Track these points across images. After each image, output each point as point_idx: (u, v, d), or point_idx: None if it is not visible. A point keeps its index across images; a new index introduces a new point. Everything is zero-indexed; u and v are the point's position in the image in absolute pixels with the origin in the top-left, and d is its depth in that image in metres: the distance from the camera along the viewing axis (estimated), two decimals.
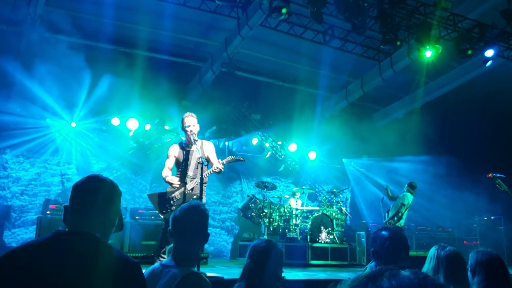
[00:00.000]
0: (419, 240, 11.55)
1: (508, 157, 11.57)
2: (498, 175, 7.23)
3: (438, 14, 9.31)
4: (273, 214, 10.77)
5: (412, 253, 8.97)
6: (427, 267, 3.09)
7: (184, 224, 2.60)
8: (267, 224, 10.65)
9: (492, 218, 12.94)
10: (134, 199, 11.63)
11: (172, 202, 5.70)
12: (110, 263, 1.91)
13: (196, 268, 4.63)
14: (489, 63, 10.40)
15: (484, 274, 2.96)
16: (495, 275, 2.96)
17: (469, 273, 3.07)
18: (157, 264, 2.63)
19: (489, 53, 10.09)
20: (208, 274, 5.34)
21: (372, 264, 2.97)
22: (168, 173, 5.87)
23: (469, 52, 9.94)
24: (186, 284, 2.37)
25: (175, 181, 5.74)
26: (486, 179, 7.48)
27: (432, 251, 3.13)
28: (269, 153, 13.91)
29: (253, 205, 11.59)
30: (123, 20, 10.54)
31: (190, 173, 5.78)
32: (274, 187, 11.85)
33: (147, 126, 11.63)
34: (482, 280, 2.94)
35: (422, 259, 3.23)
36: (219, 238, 12.81)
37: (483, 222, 13.08)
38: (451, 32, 9.94)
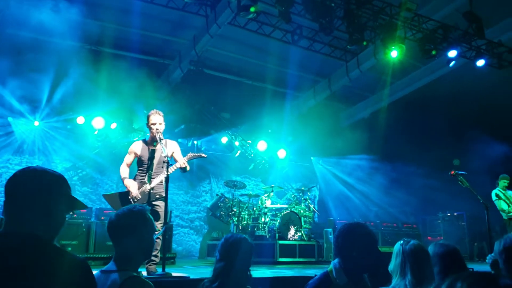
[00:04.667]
0: (385, 237, 11.76)
1: (472, 155, 11.91)
2: (460, 172, 7.41)
3: (403, 15, 9.49)
4: (242, 213, 10.79)
5: None
6: (394, 263, 3.15)
7: (120, 228, 2.56)
8: (236, 223, 10.66)
9: (455, 214, 13.31)
10: (100, 199, 11.41)
11: (132, 202, 5.55)
12: (55, 264, 1.73)
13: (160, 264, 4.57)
14: (452, 63, 10.66)
15: (441, 265, 3.07)
16: (451, 266, 3.06)
17: None
18: (97, 272, 2.50)
19: (452, 53, 10.33)
20: (174, 274, 5.31)
21: (336, 260, 2.99)
22: (126, 173, 5.77)
23: (433, 52, 10.16)
24: None
25: (133, 188, 5.61)
26: (449, 176, 7.66)
27: (397, 246, 3.19)
28: (239, 152, 13.90)
29: (222, 204, 11.59)
30: (88, 16, 10.32)
31: (152, 172, 5.70)
32: (243, 186, 11.87)
33: (113, 125, 11.44)
34: (439, 271, 3.05)
35: (388, 255, 3.29)
36: (187, 238, 12.73)
37: (446, 218, 13.44)
38: (416, 33, 10.14)
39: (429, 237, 13.24)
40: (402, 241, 3.21)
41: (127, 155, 5.91)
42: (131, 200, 5.57)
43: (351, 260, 2.89)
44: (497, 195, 9.19)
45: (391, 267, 3.18)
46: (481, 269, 6.00)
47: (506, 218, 9.22)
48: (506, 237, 3.10)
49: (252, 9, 8.61)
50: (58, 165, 11.32)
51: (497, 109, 12.27)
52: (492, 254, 3.24)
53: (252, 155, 14.15)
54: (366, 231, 2.97)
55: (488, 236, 7.92)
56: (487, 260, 3.31)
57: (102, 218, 9.11)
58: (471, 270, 3.33)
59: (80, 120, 11.03)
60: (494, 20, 10.86)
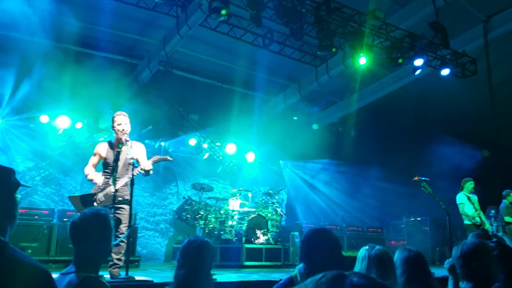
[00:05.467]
0: (350, 241, 11.86)
1: (436, 160, 12.19)
2: (423, 178, 7.55)
3: (371, 23, 9.66)
4: (209, 216, 10.72)
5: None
6: (359, 267, 3.19)
7: (83, 231, 2.54)
8: (202, 226, 10.58)
9: (418, 219, 13.60)
10: (63, 201, 11.12)
11: (96, 204, 5.46)
12: (12, 274, 1.62)
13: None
14: (418, 71, 10.91)
15: (404, 268, 3.14)
16: (415, 269, 3.14)
17: None
18: (58, 276, 2.49)
19: (418, 62, 10.57)
20: (138, 277, 5.23)
21: (300, 265, 3.01)
22: (91, 171, 5.66)
23: (400, 60, 10.38)
24: None
25: (98, 179, 5.51)
26: (413, 182, 7.79)
27: (363, 251, 3.24)
28: (207, 154, 13.80)
29: (188, 207, 11.48)
30: (55, 13, 10.06)
31: (117, 174, 5.59)
32: (210, 189, 11.79)
33: (78, 124, 11.18)
34: (402, 273, 3.12)
35: (351, 260, 3.33)
36: (152, 241, 12.53)
37: (410, 223, 13.72)
38: (384, 41, 10.33)
39: (392, 241, 13.47)
40: (367, 246, 3.27)
41: (92, 156, 5.80)
42: (95, 202, 5.47)
43: (316, 265, 2.91)
44: (468, 198, 9.34)
45: (355, 270, 3.21)
46: (442, 273, 6.15)
47: (469, 223, 9.38)
48: (463, 243, 3.19)
49: (223, 12, 8.58)
50: (20, 165, 10.98)
51: (460, 116, 12.64)
52: (450, 259, 3.33)
53: (220, 158, 14.07)
54: (331, 237, 3.00)
55: (449, 241, 8.11)
56: (445, 265, 3.40)
57: (65, 220, 8.88)
58: (432, 273, 3.43)
59: (44, 118, 10.72)
60: (458, 30, 11.19)
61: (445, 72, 10.97)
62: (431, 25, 10.26)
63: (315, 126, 15.25)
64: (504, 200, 10.11)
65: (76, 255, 2.53)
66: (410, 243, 12.52)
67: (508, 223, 9.96)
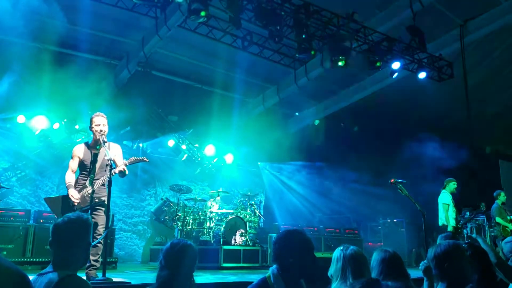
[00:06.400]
0: (327, 242, 11.94)
1: (412, 162, 12.38)
2: (399, 180, 7.65)
3: (350, 26, 9.77)
4: (187, 218, 10.71)
5: (318, 254, 9.31)
6: (335, 267, 3.24)
7: (66, 234, 2.57)
8: (180, 227, 10.55)
9: (394, 220, 13.79)
10: (39, 202, 10.95)
11: (73, 206, 5.40)
12: None
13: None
14: (395, 75, 11.06)
15: (381, 269, 3.21)
16: (391, 269, 3.20)
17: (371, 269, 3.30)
18: (34, 276, 2.51)
19: (396, 65, 10.70)
20: (115, 279, 5.19)
21: (274, 266, 3.05)
22: (72, 180, 5.58)
23: (378, 64, 10.52)
24: (62, 286, 2.31)
25: (75, 198, 5.44)
26: (389, 184, 7.90)
27: (338, 252, 3.30)
28: (186, 155, 13.73)
29: (166, 208, 11.44)
30: (32, 12, 9.91)
31: (94, 175, 5.54)
32: (189, 190, 11.77)
33: (56, 125, 11.03)
34: (378, 274, 3.19)
35: (324, 260, 3.38)
36: (130, 242, 12.42)
37: (386, 225, 13.91)
38: (362, 44, 10.44)
39: (370, 243, 13.63)
40: (342, 247, 3.33)
41: (71, 160, 5.71)
42: (70, 204, 5.40)
43: (288, 266, 2.96)
44: (452, 200, 9.46)
45: (331, 271, 3.27)
46: (417, 274, 6.26)
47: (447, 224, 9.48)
48: (437, 245, 3.27)
49: (202, 13, 8.57)
50: None
51: (437, 118, 12.87)
52: (425, 261, 3.40)
53: (199, 159, 14.02)
54: (303, 238, 3.06)
55: (425, 242, 8.25)
56: (420, 267, 3.47)
57: (41, 221, 8.78)
58: (408, 275, 3.51)
59: (21, 119, 10.56)
60: (435, 34, 11.37)
61: (422, 75, 11.11)
62: (408, 29, 10.41)
63: (293, 128, 15.34)
64: (496, 201, 10.25)
65: (55, 257, 2.53)
66: (386, 245, 12.70)
67: (499, 224, 10.08)
